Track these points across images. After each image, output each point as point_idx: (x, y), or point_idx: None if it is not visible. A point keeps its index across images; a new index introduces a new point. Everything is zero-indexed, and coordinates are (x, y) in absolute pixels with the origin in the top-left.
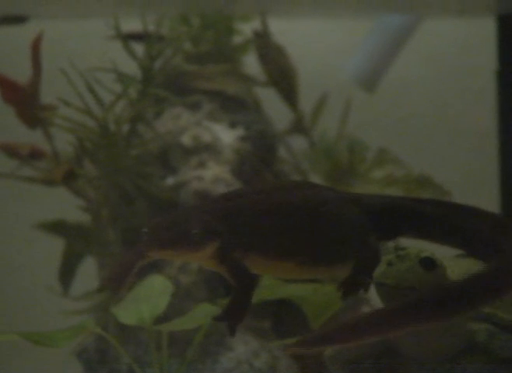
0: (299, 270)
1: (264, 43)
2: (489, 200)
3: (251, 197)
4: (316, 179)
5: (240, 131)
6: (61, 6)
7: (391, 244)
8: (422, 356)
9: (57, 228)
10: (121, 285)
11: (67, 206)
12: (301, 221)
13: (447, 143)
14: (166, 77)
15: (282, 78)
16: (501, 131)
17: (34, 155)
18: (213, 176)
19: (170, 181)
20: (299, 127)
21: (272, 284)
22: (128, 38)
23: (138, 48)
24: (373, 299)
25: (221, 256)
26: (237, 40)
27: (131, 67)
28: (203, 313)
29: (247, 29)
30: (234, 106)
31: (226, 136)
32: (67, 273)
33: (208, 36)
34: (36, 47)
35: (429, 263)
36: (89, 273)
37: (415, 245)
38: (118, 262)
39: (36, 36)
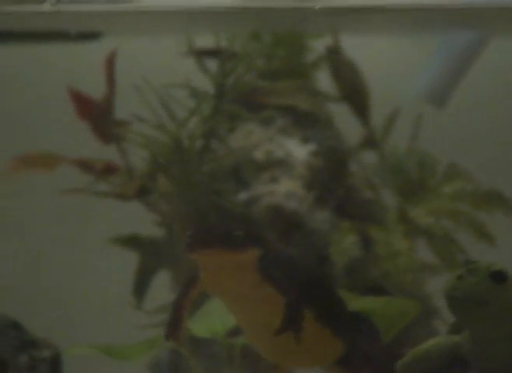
0: (310, 324)
1: (336, 59)
2: None
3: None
4: (387, 193)
5: (312, 146)
6: (134, 23)
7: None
8: (491, 368)
9: (131, 242)
10: (179, 330)
11: (141, 220)
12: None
13: None
14: (238, 93)
15: (354, 93)
16: None
17: (108, 170)
18: (286, 191)
19: (243, 196)
20: (370, 141)
21: (344, 297)
22: (201, 54)
23: (211, 64)
24: (444, 312)
25: (263, 268)
26: (309, 56)
27: (204, 84)
28: None
29: (319, 45)
30: (306, 122)
31: (299, 151)
32: (141, 286)
33: (280, 53)
34: (110, 63)
35: (499, 276)
36: (162, 286)
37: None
38: (171, 308)
39: (111, 53)
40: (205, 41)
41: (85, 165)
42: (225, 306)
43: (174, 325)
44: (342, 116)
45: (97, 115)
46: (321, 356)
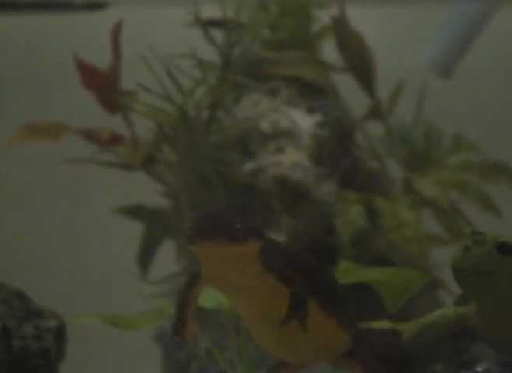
0: (316, 314)
1: (342, 30)
2: None
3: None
4: (392, 164)
5: (317, 117)
6: None
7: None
8: (497, 339)
9: (136, 212)
10: (185, 328)
11: (146, 190)
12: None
13: None
14: (244, 63)
15: (360, 64)
16: None
17: (114, 140)
18: (291, 162)
19: (249, 166)
20: (376, 112)
21: (350, 268)
22: (207, 25)
23: (218, 35)
24: (450, 283)
25: (265, 259)
26: (315, 26)
27: (211, 54)
28: None
29: (324, 15)
30: (312, 92)
31: (304, 122)
32: (145, 257)
33: (286, 24)
34: (116, 34)
35: (506, 247)
36: (167, 256)
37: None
38: (176, 306)
39: (117, 23)
40: (211, 11)
41: (90, 135)
42: (229, 301)
43: (180, 324)
44: (348, 87)
45: (103, 85)
46: (329, 349)
